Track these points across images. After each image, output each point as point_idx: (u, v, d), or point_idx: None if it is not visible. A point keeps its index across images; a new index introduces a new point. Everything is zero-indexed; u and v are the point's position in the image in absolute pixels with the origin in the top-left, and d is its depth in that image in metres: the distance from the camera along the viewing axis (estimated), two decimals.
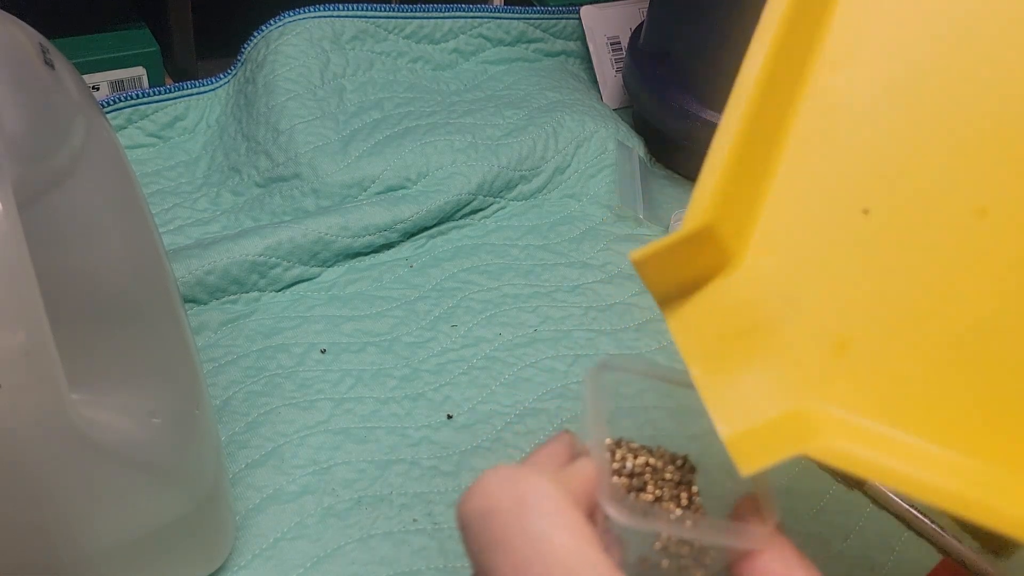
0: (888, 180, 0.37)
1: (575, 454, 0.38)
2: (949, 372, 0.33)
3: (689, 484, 0.39)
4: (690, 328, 0.37)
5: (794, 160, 0.38)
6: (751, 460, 0.33)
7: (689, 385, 0.37)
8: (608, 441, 0.39)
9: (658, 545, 0.36)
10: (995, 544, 0.65)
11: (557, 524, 0.32)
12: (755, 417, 0.34)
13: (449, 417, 0.70)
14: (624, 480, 0.38)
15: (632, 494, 0.38)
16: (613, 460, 0.38)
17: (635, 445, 0.39)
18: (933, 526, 0.66)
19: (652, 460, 0.39)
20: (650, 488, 0.38)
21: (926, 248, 0.35)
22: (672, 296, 0.38)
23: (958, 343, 0.33)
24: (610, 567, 0.31)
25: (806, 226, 0.37)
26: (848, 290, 0.35)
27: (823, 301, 0.35)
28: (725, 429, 0.34)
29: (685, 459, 0.40)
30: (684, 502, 0.38)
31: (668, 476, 0.39)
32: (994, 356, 0.32)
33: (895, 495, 0.67)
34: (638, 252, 0.36)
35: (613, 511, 0.34)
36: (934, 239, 0.35)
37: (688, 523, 0.36)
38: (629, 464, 0.38)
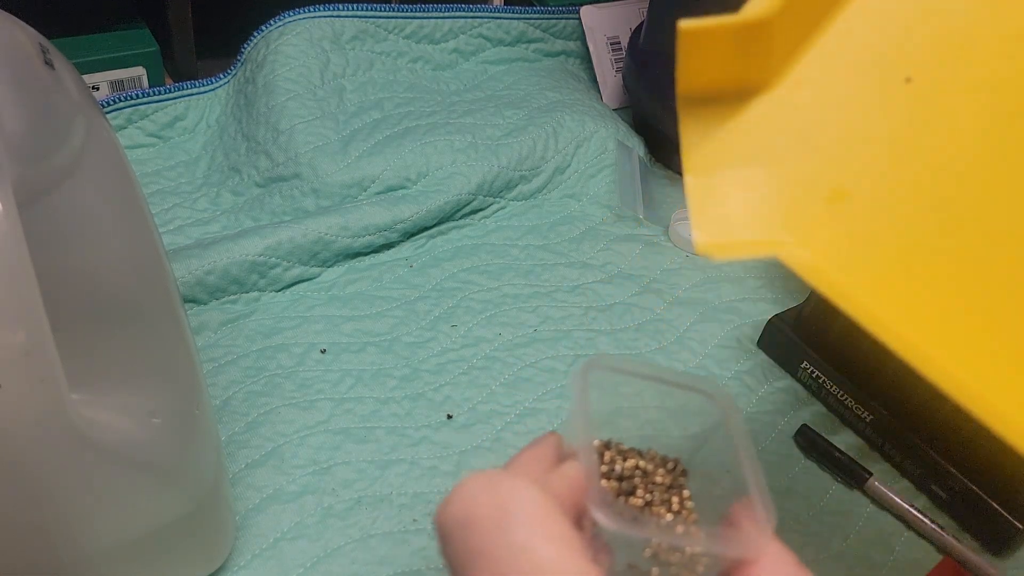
0: (938, 56, 0.37)
1: (562, 456, 0.37)
2: (935, 252, 0.33)
3: (681, 488, 0.38)
4: (701, 135, 0.37)
5: (858, 10, 0.38)
6: (718, 253, 0.34)
7: (682, 385, 0.37)
8: (597, 443, 0.38)
9: (648, 552, 0.35)
10: (995, 544, 0.65)
11: (539, 533, 0.31)
12: (732, 235, 0.34)
13: (449, 417, 0.70)
14: (613, 483, 0.37)
15: (621, 498, 0.37)
16: (602, 462, 0.37)
17: (625, 447, 0.39)
18: (933, 526, 0.66)
19: (642, 463, 0.38)
20: (640, 492, 0.37)
21: (953, 127, 0.35)
22: (695, 96, 0.37)
23: (949, 224, 0.33)
24: None
25: (848, 78, 0.37)
26: (864, 148, 0.35)
27: (836, 150, 0.35)
28: (701, 236, 0.34)
29: (676, 462, 0.39)
30: (675, 507, 0.37)
31: (659, 480, 0.38)
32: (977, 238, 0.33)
33: (895, 496, 0.67)
34: (689, 22, 0.34)
35: (601, 517, 0.33)
36: (961, 116, 0.35)
37: (679, 529, 0.35)
38: (618, 467, 0.37)
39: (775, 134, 0.36)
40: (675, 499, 0.37)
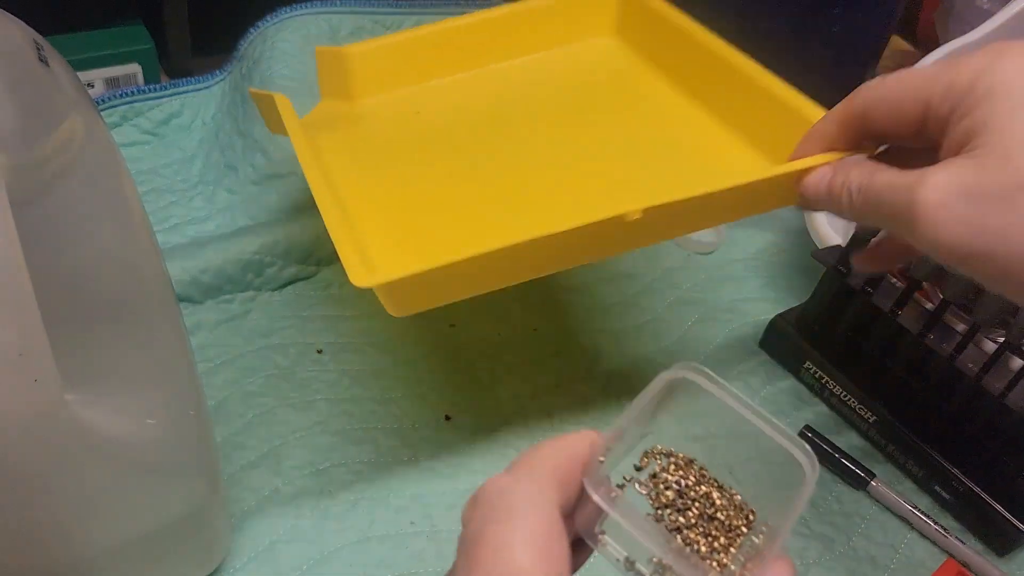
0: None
1: (595, 450, 0.37)
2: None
3: (736, 535, 0.38)
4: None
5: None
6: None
7: (772, 432, 0.38)
8: (660, 447, 0.39)
9: (654, 560, 0.35)
10: (999, 545, 0.65)
11: (520, 536, 0.33)
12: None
13: (447, 418, 0.70)
14: (661, 493, 0.38)
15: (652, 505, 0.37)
16: (655, 464, 0.38)
17: (677, 457, 0.39)
18: (936, 528, 0.66)
19: (683, 479, 0.38)
20: (681, 509, 0.37)
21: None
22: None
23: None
24: None
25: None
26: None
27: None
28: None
29: (751, 512, 0.39)
30: (715, 547, 0.37)
31: (720, 515, 0.38)
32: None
33: (898, 497, 0.67)
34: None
35: (593, 492, 0.35)
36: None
37: (678, 550, 0.36)
38: (667, 476, 0.38)
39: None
40: (721, 539, 0.37)
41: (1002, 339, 0.65)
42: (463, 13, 0.92)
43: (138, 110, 0.88)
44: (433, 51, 0.75)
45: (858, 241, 0.71)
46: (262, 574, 0.59)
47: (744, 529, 0.38)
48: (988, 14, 0.91)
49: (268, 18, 0.90)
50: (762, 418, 0.38)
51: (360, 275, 0.48)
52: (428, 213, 0.61)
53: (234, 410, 0.68)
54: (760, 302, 0.84)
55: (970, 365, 0.66)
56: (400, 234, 0.59)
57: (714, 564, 0.36)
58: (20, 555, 0.43)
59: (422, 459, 0.67)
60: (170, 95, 0.90)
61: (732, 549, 0.37)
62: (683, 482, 0.38)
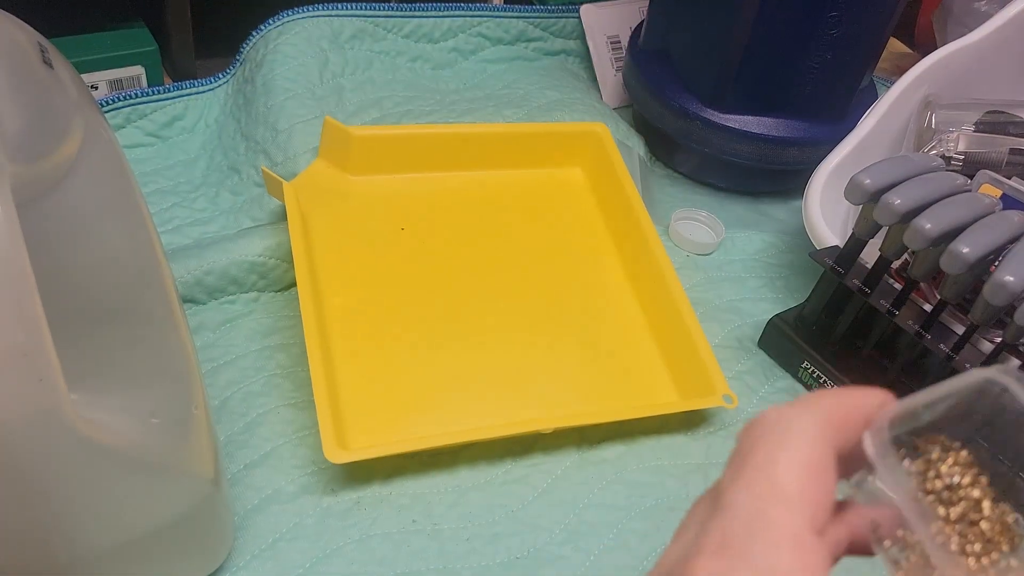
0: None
1: (884, 411, 0.36)
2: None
3: (1011, 538, 0.36)
4: None
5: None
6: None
7: None
8: (958, 444, 0.37)
9: (899, 535, 0.34)
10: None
11: (787, 458, 0.32)
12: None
13: None
14: (932, 482, 0.36)
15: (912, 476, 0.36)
16: (934, 454, 0.36)
17: (959, 455, 0.36)
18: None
19: (959, 476, 0.36)
20: (953, 504, 0.35)
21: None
22: None
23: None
24: (807, 518, 0.31)
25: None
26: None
27: None
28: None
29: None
30: (977, 548, 0.35)
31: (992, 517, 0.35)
32: None
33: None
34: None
35: (874, 453, 0.34)
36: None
37: (945, 543, 0.34)
38: (943, 468, 0.36)
39: None
40: (976, 546, 0.35)
41: (999, 339, 0.65)
42: (463, 15, 0.93)
43: (142, 112, 0.89)
44: (426, 150, 0.85)
45: (856, 242, 0.71)
46: (265, 572, 0.59)
47: (1005, 548, 0.36)
48: (986, 16, 0.91)
49: (270, 21, 0.91)
50: None
51: (334, 453, 0.61)
52: (400, 352, 0.72)
53: (237, 409, 0.68)
54: (758, 302, 0.85)
55: (967, 365, 0.66)
56: (375, 387, 0.70)
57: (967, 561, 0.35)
58: (24, 553, 0.43)
59: (424, 457, 0.67)
60: (173, 97, 0.90)
61: (984, 560, 0.35)
62: (957, 479, 0.36)
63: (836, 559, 0.35)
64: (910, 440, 0.36)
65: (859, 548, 0.36)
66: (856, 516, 0.36)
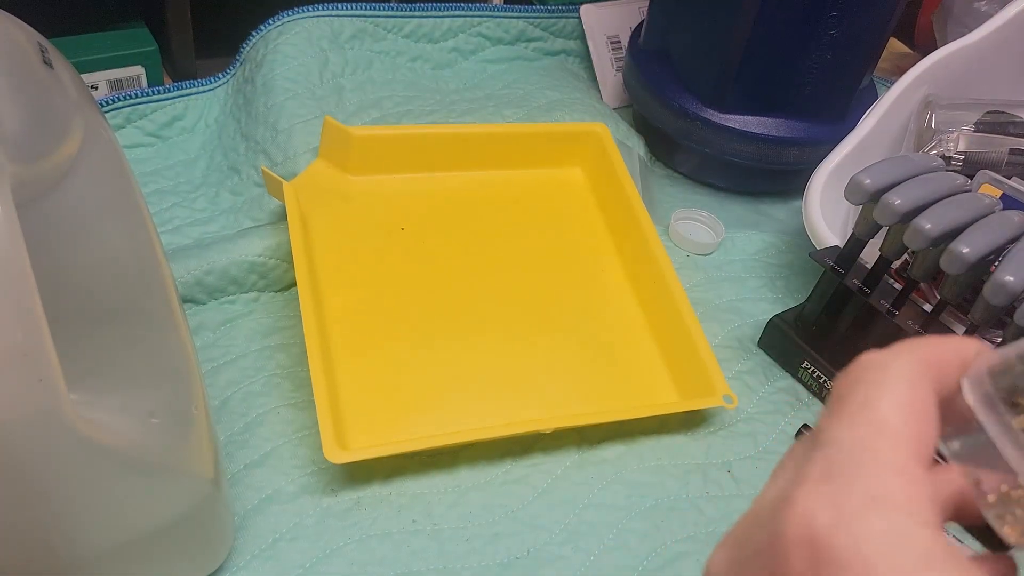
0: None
1: (982, 358, 0.34)
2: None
3: None
4: None
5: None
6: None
7: None
8: None
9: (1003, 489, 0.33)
10: (996, 544, 0.65)
11: (890, 399, 0.31)
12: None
13: None
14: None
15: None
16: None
17: None
18: None
19: None
20: None
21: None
22: None
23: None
24: (912, 451, 0.31)
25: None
26: None
27: None
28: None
29: None
30: None
31: None
32: None
33: None
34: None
35: (970, 393, 0.32)
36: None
37: None
38: None
39: None
40: None
41: (999, 339, 0.65)
42: (463, 15, 0.93)
43: (142, 112, 0.89)
44: (426, 150, 0.85)
45: (856, 242, 0.71)
46: (265, 572, 0.59)
47: None
48: (986, 16, 0.91)
49: (270, 21, 0.91)
50: None
51: (334, 453, 0.61)
52: (400, 352, 0.72)
53: (237, 409, 0.68)
54: (758, 302, 0.85)
55: None
56: (375, 387, 0.70)
57: None
58: (24, 553, 0.43)
59: (424, 457, 0.67)
60: (173, 97, 0.90)
61: None
62: None
63: (943, 511, 0.34)
64: (1007, 396, 0.34)
65: (961, 512, 0.35)
66: (955, 474, 0.35)
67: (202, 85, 0.92)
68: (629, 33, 1.05)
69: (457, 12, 1.00)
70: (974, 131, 0.81)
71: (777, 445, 0.72)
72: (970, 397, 0.32)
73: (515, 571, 0.61)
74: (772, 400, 0.76)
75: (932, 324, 0.69)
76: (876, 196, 0.66)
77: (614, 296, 0.81)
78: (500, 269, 0.80)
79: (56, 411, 0.39)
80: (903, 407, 0.31)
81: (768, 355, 0.79)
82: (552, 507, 0.66)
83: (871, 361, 0.33)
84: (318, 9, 0.92)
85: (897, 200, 0.65)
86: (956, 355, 0.34)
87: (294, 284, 0.78)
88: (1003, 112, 0.82)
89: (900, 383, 0.32)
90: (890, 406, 0.31)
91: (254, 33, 0.91)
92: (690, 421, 0.73)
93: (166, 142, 0.90)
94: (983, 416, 0.32)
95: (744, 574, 0.33)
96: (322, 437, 0.61)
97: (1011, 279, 0.61)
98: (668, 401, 0.74)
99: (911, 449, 0.31)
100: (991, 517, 0.33)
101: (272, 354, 0.73)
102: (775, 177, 0.97)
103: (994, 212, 0.66)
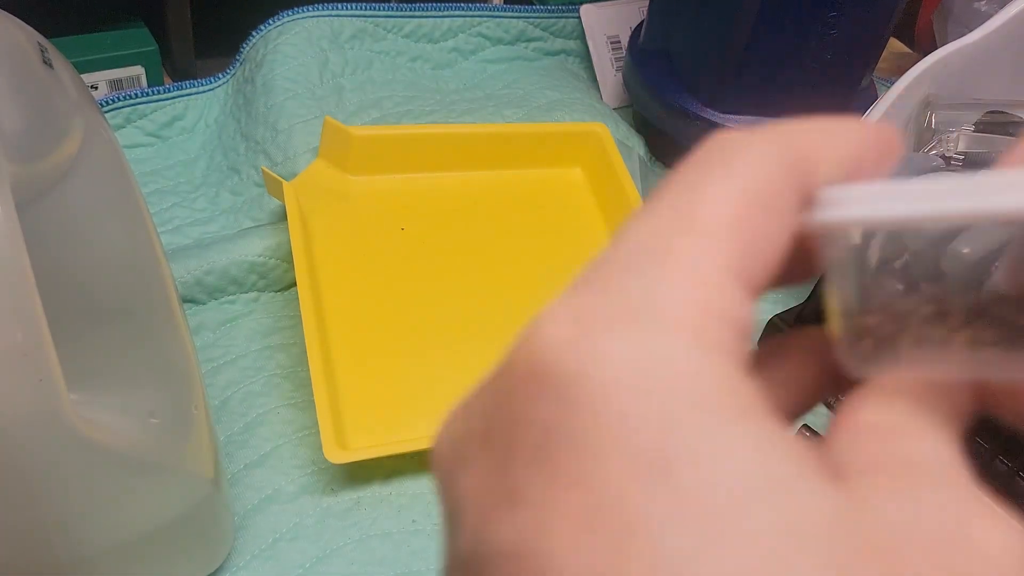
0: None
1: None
2: None
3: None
4: None
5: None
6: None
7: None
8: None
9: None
10: None
11: (727, 187, 0.22)
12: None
13: None
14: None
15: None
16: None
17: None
18: None
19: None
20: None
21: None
22: None
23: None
24: (726, 256, 0.22)
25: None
26: None
27: None
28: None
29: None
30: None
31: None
32: None
33: None
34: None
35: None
36: None
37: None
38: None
39: None
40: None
41: None
42: (463, 15, 0.93)
43: (141, 112, 0.89)
44: (426, 150, 0.84)
45: None
46: (265, 572, 0.59)
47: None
48: (986, 16, 0.91)
49: (270, 21, 0.90)
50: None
51: (334, 453, 0.61)
52: (400, 352, 0.72)
53: (236, 409, 0.68)
54: (758, 301, 0.85)
55: None
56: (375, 387, 0.70)
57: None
58: (23, 553, 0.43)
59: (424, 457, 0.67)
60: (173, 97, 0.90)
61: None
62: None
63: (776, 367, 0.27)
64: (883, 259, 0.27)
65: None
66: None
67: (202, 85, 0.92)
68: (629, 33, 1.05)
69: (457, 12, 1.00)
70: (974, 131, 0.81)
71: None
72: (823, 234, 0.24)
73: None
74: None
75: None
76: None
77: None
78: (500, 270, 0.80)
79: (56, 411, 0.39)
80: (735, 201, 0.22)
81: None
82: None
83: (723, 140, 0.23)
84: (318, 9, 0.92)
85: None
86: (841, 150, 0.24)
87: (294, 284, 0.78)
88: (1003, 112, 0.82)
89: (744, 170, 0.22)
90: (716, 196, 0.22)
91: (254, 33, 0.91)
92: None
93: (166, 142, 0.90)
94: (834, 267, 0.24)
95: (467, 445, 0.22)
96: (322, 437, 0.61)
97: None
98: None
99: (724, 253, 0.22)
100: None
101: (272, 354, 0.73)
102: None
103: None
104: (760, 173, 0.22)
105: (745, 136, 0.23)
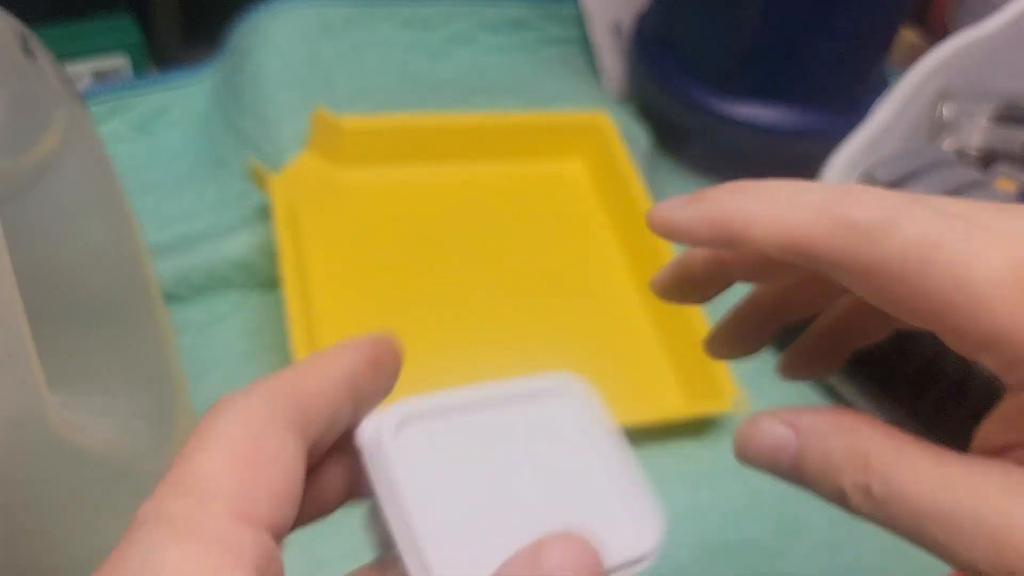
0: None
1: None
2: None
3: None
4: None
5: None
6: None
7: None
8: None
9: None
10: None
11: (215, 445, 0.28)
12: None
13: None
14: None
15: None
16: None
17: None
18: None
19: None
20: None
21: None
22: None
23: None
24: (225, 508, 0.26)
25: None
26: None
27: None
28: None
29: None
30: None
31: None
32: None
33: None
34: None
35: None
36: None
37: None
38: None
39: None
40: None
41: None
42: (460, 3, 0.93)
43: (126, 104, 0.88)
44: (420, 140, 0.84)
45: None
46: None
47: None
48: (1001, 5, 0.91)
49: (259, 9, 0.90)
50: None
51: None
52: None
53: None
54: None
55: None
56: None
57: None
58: (6, 559, 0.42)
59: None
60: (159, 88, 0.89)
61: None
62: None
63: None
64: None
65: None
66: None
67: (188, 76, 0.91)
68: (631, 21, 1.05)
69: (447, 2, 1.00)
70: (989, 124, 0.81)
71: None
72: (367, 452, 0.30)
73: None
74: (783, 403, 0.73)
75: None
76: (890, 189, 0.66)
77: (617, 293, 0.79)
78: (498, 266, 0.79)
79: (37, 414, 0.38)
80: (224, 454, 0.27)
81: (779, 354, 0.78)
82: None
83: (218, 404, 0.29)
84: None
85: None
86: (332, 378, 0.30)
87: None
88: (1019, 105, 0.82)
89: (229, 426, 0.28)
90: (207, 456, 0.27)
91: (242, 22, 0.90)
92: (698, 426, 0.72)
93: (151, 135, 0.89)
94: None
95: None
96: None
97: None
98: (674, 405, 0.73)
99: (227, 506, 0.26)
100: None
101: (260, 354, 0.72)
102: (785, 169, 0.95)
103: None
104: (246, 429, 0.28)
105: (234, 396, 0.29)
